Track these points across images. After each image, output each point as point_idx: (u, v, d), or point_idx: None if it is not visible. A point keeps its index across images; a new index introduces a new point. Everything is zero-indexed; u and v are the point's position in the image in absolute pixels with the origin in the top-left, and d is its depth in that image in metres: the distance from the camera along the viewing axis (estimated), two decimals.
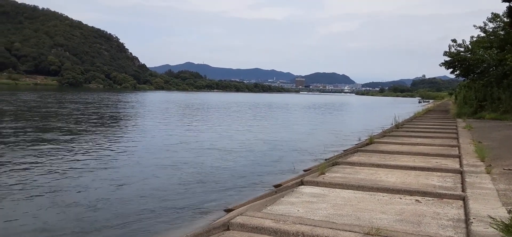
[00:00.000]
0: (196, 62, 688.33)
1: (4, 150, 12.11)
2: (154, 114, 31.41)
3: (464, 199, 5.23)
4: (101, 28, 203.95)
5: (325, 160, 10.72)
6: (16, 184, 8.13)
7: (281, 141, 17.02)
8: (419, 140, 12.00)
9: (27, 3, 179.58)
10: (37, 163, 10.42)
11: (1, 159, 10.72)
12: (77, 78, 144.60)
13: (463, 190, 5.76)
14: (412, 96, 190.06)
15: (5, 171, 9.26)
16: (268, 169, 10.81)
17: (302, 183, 6.36)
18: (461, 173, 6.97)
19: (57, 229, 5.81)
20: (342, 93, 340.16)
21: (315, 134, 20.54)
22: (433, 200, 5.35)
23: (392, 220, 4.45)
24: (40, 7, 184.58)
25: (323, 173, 6.97)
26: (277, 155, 13.18)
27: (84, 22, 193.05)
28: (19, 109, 29.00)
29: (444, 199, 5.37)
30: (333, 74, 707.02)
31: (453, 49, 25.60)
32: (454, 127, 16.19)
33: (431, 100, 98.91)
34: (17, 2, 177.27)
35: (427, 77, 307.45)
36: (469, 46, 25.44)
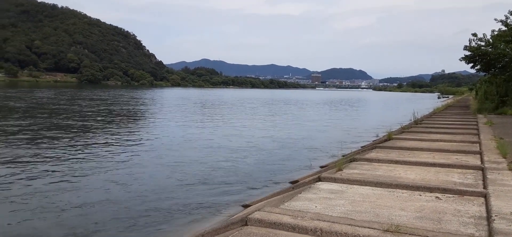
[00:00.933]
0: (212, 59, 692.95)
1: (14, 146, 12.41)
2: (171, 111, 31.69)
3: (485, 196, 5.13)
4: (119, 26, 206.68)
5: (342, 156, 10.65)
6: (36, 179, 8.34)
7: (297, 137, 16.97)
8: (438, 136, 11.81)
9: (46, 2, 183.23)
10: (59, 158, 10.65)
11: (10, 155, 11.00)
12: (95, 76, 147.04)
13: (485, 187, 5.65)
14: (431, 91, 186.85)
15: (13, 166, 9.50)
16: (284, 165, 10.81)
17: (319, 179, 6.34)
18: (482, 169, 6.83)
19: (78, 225, 5.94)
20: (359, 89, 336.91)
21: (331, 130, 20.42)
22: (453, 197, 5.27)
23: (411, 217, 4.39)
24: (59, 6, 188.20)
25: (340, 169, 6.93)
26: (293, 151, 13.16)
27: (103, 20, 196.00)
28: (38, 106, 29.66)
29: (465, 196, 5.28)
30: (350, 69, 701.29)
31: (473, 44, 25.06)
32: (475, 123, 15.86)
33: (450, 96, 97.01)
34: (37, 1, 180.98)
35: (446, 72, 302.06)
36: (490, 40, 24.82)
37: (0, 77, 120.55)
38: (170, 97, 59.49)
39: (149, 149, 12.76)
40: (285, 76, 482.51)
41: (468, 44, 25.18)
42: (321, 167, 9.97)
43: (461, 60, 26.31)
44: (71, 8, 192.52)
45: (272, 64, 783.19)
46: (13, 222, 5.91)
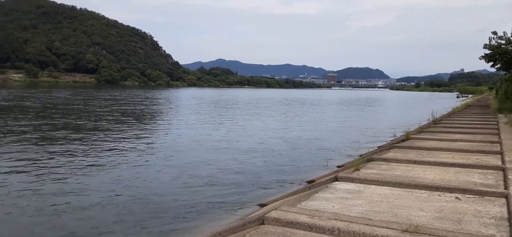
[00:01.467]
0: (227, 59, 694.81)
1: (24, 145, 12.68)
2: (187, 111, 31.93)
3: (507, 196, 5.03)
4: (136, 27, 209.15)
5: (359, 156, 10.56)
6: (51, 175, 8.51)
7: (312, 137, 16.91)
8: (458, 136, 11.61)
9: (66, 4, 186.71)
10: (75, 155, 10.86)
11: (24, 153, 11.24)
12: (113, 76, 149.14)
13: (506, 187, 5.54)
14: (449, 91, 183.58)
15: (23, 165, 9.71)
16: (300, 165, 10.78)
17: (336, 179, 6.31)
18: (503, 170, 6.70)
19: (95, 224, 6.05)
20: (376, 89, 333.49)
21: (347, 130, 20.27)
22: (474, 197, 5.18)
23: (431, 217, 4.34)
24: (78, 7, 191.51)
25: (357, 169, 6.89)
26: (309, 151, 13.11)
27: (120, 21, 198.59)
28: (54, 106, 30.26)
29: (485, 197, 5.18)
30: (367, 69, 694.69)
31: (493, 42, 24.59)
32: (495, 123, 15.54)
33: (470, 95, 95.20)
34: (56, 3, 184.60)
35: (465, 71, 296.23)
36: (511, 38, 24.30)
37: (21, 77, 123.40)
38: (186, 97, 59.95)
39: (165, 149, 12.88)
40: (300, 75, 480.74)
41: (488, 43, 24.70)
42: (338, 166, 9.91)
43: (481, 59, 25.90)
44: (90, 10, 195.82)
45: (287, 64, 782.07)
46: (23, 222, 6.04)
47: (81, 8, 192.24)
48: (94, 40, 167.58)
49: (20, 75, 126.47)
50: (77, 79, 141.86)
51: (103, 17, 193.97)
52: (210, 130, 18.71)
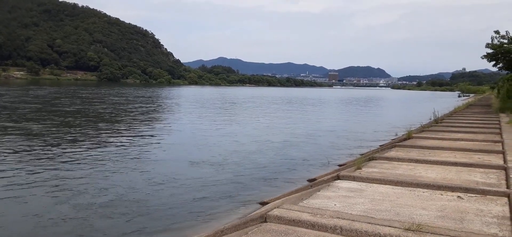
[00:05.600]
0: (229, 57, 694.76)
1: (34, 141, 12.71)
2: (188, 109, 31.95)
3: (509, 196, 5.03)
4: (138, 25, 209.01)
5: (361, 154, 10.57)
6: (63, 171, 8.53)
7: (313, 135, 16.91)
8: (460, 135, 11.59)
9: (67, 1, 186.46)
10: (80, 153, 10.87)
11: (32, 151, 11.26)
12: (115, 74, 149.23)
13: (508, 186, 5.54)
14: (451, 90, 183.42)
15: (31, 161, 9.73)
16: (302, 163, 10.79)
17: (338, 178, 6.30)
18: (505, 169, 6.69)
19: (97, 222, 6.06)
20: (377, 88, 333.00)
21: (348, 129, 20.25)
22: (476, 196, 5.17)
23: (433, 216, 4.34)
24: (80, 5, 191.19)
25: (359, 168, 6.88)
26: (311, 150, 13.11)
27: (122, 19, 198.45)
28: (52, 105, 30.29)
29: (487, 196, 5.18)
30: (368, 67, 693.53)
31: (496, 41, 24.52)
32: (497, 122, 15.51)
33: (471, 95, 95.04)
34: (58, 1, 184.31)
35: (467, 70, 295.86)
36: None
37: (22, 75, 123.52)
38: (187, 95, 59.94)
39: (167, 147, 12.90)
40: (301, 74, 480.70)
41: (490, 42, 24.65)
42: (339, 165, 9.91)
43: (483, 58, 25.83)
44: (91, 7, 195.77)
45: (289, 63, 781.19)
46: (30, 221, 6.07)
47: (82, 6, 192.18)
48: (95, 38, 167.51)
49: (21, 72, 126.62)
50: (79, 77, 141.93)
51: (104, 15, 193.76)
52: (211, 128, 18.72)
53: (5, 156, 10.25)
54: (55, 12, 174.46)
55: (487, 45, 24.84)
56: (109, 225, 5.78)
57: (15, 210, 6.32)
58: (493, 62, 25.99)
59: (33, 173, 8.55)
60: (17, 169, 8.91)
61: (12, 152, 10.83)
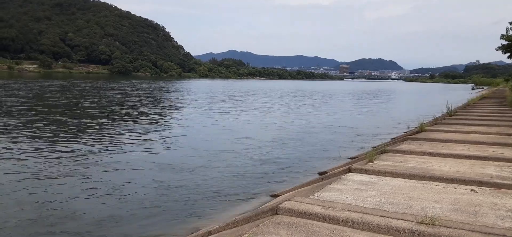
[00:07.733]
0: (239, 50, 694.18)
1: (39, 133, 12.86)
2: (199, 102, 32.04)
3: None
4: (148, 18, 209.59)
5: (373, 147, 10.49)
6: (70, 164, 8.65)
7: (324, 128, 16.84)
8: (473, 128, 11.44)
9: None
10: (87, 147, 10.99)
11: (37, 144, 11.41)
12: (126, 67, 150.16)
13: None
14: (464, 82, 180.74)
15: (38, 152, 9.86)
16: (313, 156, 10.76)
17: (349, 170, 6.28)
18: None
19: (111, 213, 6.13)
20: (389, 80, 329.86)
21: (360, 122, 20.12)
22: (490, 190, 5.11)
23: (446, 209, 4.29)
24: None
25: (371, 161, 6.84)
26: (321, 143, 13.06)
27: (132, 12, 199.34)
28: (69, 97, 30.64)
29: (502, 189, 5.11)
30: (380, 60, 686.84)
31: (510, 33, 24.06)
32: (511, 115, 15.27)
33: (485, 87, 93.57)
34: None
35: (481, 62, 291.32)
36: None
37: (35, 68, 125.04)
38: (198, 88, 60.12)
39: (178, 140, 12.97)
40: (312, 67, 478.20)
41: (505, 33, 24.20)
42: (351, 158, 9.86)
43: (497, 50, 25.41)
44: (102, 1, 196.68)
45: (299, 55, 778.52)
46: (18, 216, 6.16)
47: (94, 0, 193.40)
48: (107, 31, 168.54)
49: (34, 66, 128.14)
50: (91, 70, 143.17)
51: (116, 8, 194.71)
52: (222, 120, 18.75)
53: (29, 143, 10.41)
54: (66, 5, 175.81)
55: (502, 37, 24.42)
56: (118, 216, 5.84)
57: (25, 201, 6.42)
58: (508, 54, 25.52)
59: (59, 164, 8.68)
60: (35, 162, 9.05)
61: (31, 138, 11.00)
